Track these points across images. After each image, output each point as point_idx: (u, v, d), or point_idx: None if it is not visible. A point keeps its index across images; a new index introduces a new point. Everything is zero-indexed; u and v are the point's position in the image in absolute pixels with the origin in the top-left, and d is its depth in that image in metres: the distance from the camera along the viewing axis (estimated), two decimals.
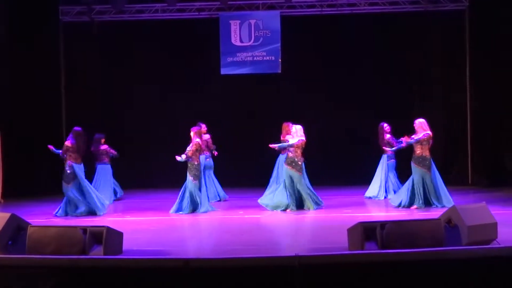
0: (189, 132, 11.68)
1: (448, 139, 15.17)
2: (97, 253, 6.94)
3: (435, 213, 9.80)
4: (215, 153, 13.17)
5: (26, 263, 5.13)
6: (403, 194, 11.36)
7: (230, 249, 7.86)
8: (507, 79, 14.46)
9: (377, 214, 11.19)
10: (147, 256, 6.75)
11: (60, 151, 11.37)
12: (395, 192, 12.54)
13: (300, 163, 11.39)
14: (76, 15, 15.38)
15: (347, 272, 4.83)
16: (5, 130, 14.04)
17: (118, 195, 13.66)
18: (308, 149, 12.09)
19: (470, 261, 4.91)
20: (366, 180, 13.80)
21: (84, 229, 7.06)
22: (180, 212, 11.31)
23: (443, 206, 10.79)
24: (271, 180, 12.86)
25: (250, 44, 15.35)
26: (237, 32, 15.35)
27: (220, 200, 13.18)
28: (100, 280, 4.89)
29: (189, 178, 11.41)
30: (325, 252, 6.32)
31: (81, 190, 11.18)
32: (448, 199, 11.15)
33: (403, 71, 15.64)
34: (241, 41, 15.36)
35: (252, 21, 15.35)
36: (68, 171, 11.16)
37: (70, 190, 11.10)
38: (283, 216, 10.96)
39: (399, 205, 11.24)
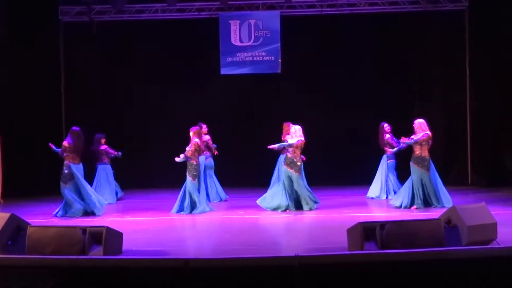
0: (189, 132, 11.68)
1: (448, 139, 15.17)
2: (96, 253, 6.94)
3: (434, 213, 9.80)
4: (216, 152, 13.17)
5: (26, 263, 5.12)
6: (404, 194, 11.34)
7: (230, 249, 7.86)
8: (507, 79, 14.46)
9: (376, 214, 11.19)
10: (147, 256, 6.75)
11: (60, 149, 11.37)
12: (395, 192, 12.54)
13: (299, 163, 11.38)
14: (76, 15, 15.38)
15: (346, 272, 4.83)
16: (5, 130, 14.04)
17: (118, 196, 13.66)
18: (308, 149, 12.09)
19: (470, 261, 4.90)
20: (366, 180, 13.80)
21: (84, 229, 7.06)
22: (182, 212, 11.31)
23: (443, 207, 10.78)
24: (272, 180, 12.86)
25: (250, 44, 15.35)
26: (237, 32, 15.35)
27: (221, 200, 13.18)
28: (99, 280, 4.89)
29: (188, 178, 11.41)
30: (325, 252, 6.32)
31: (78, 191, 11.15)
32: (447, 200, 11.15)
33: (403, 71, 15.64)
34: (241, 41, 15.36)
35: (252, 21, 15.35)
36: (65, 171, 11.16)
37: (66, 190, 11.08)
38: (283, 216, 10.96)
39: (400, 206, 11.22)
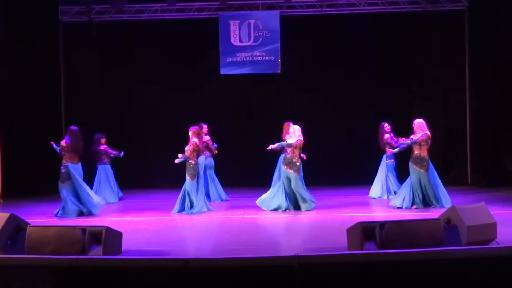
0: (188, 132, 11.68)
1: (447, 139, 15.17)
2: (96, 253, 6.94)
3: (434, 213, 9.80)
4: (215, 151, 13.16)
5: (25, 263, 5.12)
6: (404, 195, 11.31)
7: (229, 249, 7.86)
8: (506, 79, 14.47)
9: (376, 214, 11.18)
10: (147, 256, 6.75)
11: (59, 148, 11.38)
12: (395, 193, 12.54)
13: (298, 163, 11.37)
14: (76, 15, 15.38)
15: (346, 272, 4.83)
16: (5, 130, 14.04)
17: (118, 195, 13.65)
18: (308, 149, 12.10)
19: (470, 261, 4.91)
20: (366, 180, 13.81)
21: (84, 229, 7.06)
22: (183, 212, 11.31)
23: (442, 207, 10.79)
24: (274, 180, 12.85)
25: (249, 44, 15.36)
26: (236, 32, 15.35)
27: (222, 200, 13.18)
28: (99, 280, 4.88)
29: (187, 178, 11.41)
30: (324, 252, 6.31)
31: (76, 190, 11.13)
32: (447, 200, 11.15)
33: (402, 71, 15.64)
34: (240, 41, 15.36)
35: (252, 21, 15.35)
36: (63, 170, 11.16)
37: (63, 189, 11.09)
38: (282, 216, 10.96)
39: (401, 207, 11.19)
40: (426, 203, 11.18)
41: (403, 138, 11.61)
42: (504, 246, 6.24)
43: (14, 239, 7.28)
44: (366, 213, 10.96)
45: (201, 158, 12.58)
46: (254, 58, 15.36)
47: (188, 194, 11.37)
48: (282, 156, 12.03)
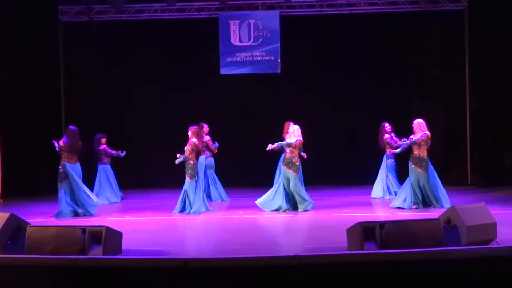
0: (188, 132, 11.68)
1: (447, 139, 15.17)
2: (96, 253, 6.94)
3: (434, 213, 9.80)
4: (215, 151, 13.16)
5: (25, 263, 5.12)
6: (406, 195, 11.26)
7: (229, 249, 7.86)
8: (506, 79, 14.47)
9: (376, 214, 11.18)
10: (147, 256, 6.75)
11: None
12: (395, 193, 12.55)
13: (297, 163, 11.35)
14: (75, 14, 15.37)
15: (346, 272, 4.83)
16: (5, 130, 14.04)
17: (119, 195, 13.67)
18: (308, 149, 12.10)
19: (470, 261, 4.91)
20: (366, 180, 13.83)
21: (83, 229, 7.06)
22: (184, 212, 11.30)
23: (442, 207, 10.79)
24: (275, 180, 12.83)
25: (249, 44, 15.36)
26: (236, 32, 15.35)
27: (222, 200, 13.18)
28: (99, 280, 4.88)
29: (186, 177, 11.40)
30: (324, 252, 6.31)
31: (72, 190, 11.12)
32: (446, 200, 11.15)
33: (402, 71, 15.64)
34: (240, 41, 15.36)
35: (252, 21, 15.35)
36: (61, 170, 11.15)
37: (60, 190, 11.09)
38: (282, 216, 10.96)
39: (402, 207, 11.17)
40: (426, 203, 11.17)
41: (404, 139, 11.60)
42: (504, 246, 6.24)
43: (14, 239, 7.28)
44: (366, 213, 10.95)
45: (201, 158, 12.59)
46: (254, 58, 15.36)
47: (187, 194, 11.36)
48: (282, 156, 12.03)
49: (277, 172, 12.79)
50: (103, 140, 13.43)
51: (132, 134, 15.62)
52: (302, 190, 11.42)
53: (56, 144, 11.50)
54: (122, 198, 13.66)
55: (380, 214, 11.02)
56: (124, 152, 13.41)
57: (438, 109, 15.31)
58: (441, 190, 11.30)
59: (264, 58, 15.35)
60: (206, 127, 13.10)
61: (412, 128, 11.41)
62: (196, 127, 11.81)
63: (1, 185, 13.52)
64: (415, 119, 11.53)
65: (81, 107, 15.45)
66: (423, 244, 6.55)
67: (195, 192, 11.34)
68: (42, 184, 14.39)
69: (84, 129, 12.94)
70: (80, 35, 15.51)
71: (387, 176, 12.93)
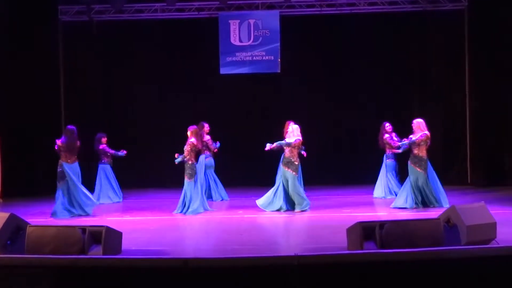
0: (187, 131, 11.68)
1: (447, 138, 15.17)
2: (96, 252, 6.94)
3: (434, 213, 9.80)
4: (215, 150, 13.16)
5: (25, 263, 5.12)
6: (407, 194, 11.23)
7: (229, 249, 7.86)
8: (506, 79, 14.47)
9: (376, 214, 11.18)
10: (146, 256, 6.75)
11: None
12: (395, 193, 12.55)
13: (296, 163, 11.28)
14: (75, 14, 15.36)
15: (346, 272, 4.83)
16: (5, 130, 14.05)
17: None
18: (307, 149, 12.10)
19: (469, 261, 4.90)
20: (366, 180, 13.84)
21: (83, 229, 7.07)
22: (181, 212, 11.29)
23: (441, 207, 10.80)
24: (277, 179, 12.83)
25: (249, 44, 15.35)
26: (236, 32, 15.35)
27: (222, 200, 13.18)
28: (99, 280, 4.88)
29: (185, 177, 11.39)
30: (324, 252, 6.32)
31: (69, 191, 11.10)
32: (445, 200, 11.14)
33: (402, 71, 15.64)
34: (240, 40, 15.36)
35: (252, 21, 15.35)
36: (59, 170, 11.15)
37: (58, 189, 11.09)
38: (282, 216, 10.96)
39: (406, 207, 11.13)
40: (425, 203, 11.15)
41: (404, 139, 11.59)
42: (504, 246, 6.24)
43: (14, 239, 7.29)
44: (366, 213, 10.95)
45: (201, 158, 12.59)
46: (254, 58, 15.36)
47: (186, 194, 11.35)
48: (282, 155, 12.02)
49: (278, 172, 12.79)
50: (104, 140, 13.41)
51: (132, 134, 15.61)
52: (300, 191, 11.37)
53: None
54: (123, 198, 13.65)
55: (380, 214, 11.01)
56: (125, 152, 13.40)
57: (438, 109, 15.30)
58: (440, 190, 11.29)
59: (264, 57, 15.35)
60: (207, 127, 13.11)
61: (411, 127, 11.41)
62: (195, 127, 11.79)
63: (1, 185, 13.52)
64: (414, 118, 11.53)
65: (81, 107, 15.45)
66: (423, 244, 6.55)
67: (193, 192, 11.31)
68: (42, 184, 14.39)
69: (84, 129, 12.94)
70: (80, 35, 15.51)
71: (387, 176, 12.92)
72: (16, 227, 7.35)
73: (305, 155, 11.79)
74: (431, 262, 4.89)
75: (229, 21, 15.37)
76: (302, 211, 11.17)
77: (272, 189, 11.59)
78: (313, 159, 13.74)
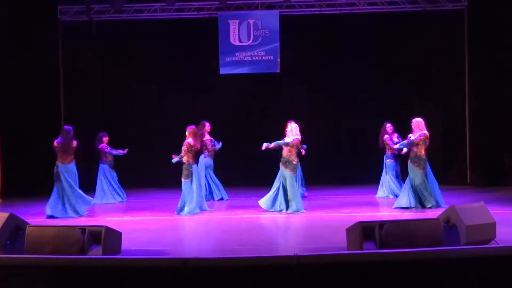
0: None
1: (447, 138, 15.17)
2: (95, 252, 6.94)
3: (433, 213, 9.81)
4: (213, 151, 13.15)
5: (25, 263, 5.11)
6: (409, 195, 11.21)
7: (229, 249, 7.87)
8: (506, 79, 14.48)
9: (376, 214, 11.18)
10: (146, 256, 6.75)
11: None
12: (394, 193, 12.56)
13: (294, 162, 11.23)
14: (75, 14, 15.36)
15: (345, 272, 4.83)
16: (5, 130, 14.04)
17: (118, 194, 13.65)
18: (307, 149, 12.10)
19: (469, 261, 4.90)
20: (366, 180, 13.86)
21: (83, 229, 7.06)
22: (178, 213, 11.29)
23: (439, 206, 10.80)
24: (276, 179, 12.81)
25: (249, 44, 15.35)
26: (236, 32, 15.35)
27: (222, 199, 13.17)
28: (98, 280, 4.88)
29: (182, 177, 11.38)
30: (323, 252, 6.31)
31: (63, 192, 11.08)
32: (441, 200, 11.13)
33: (402, 71, 15.65)
34: (240, 40, 15.36)
35: (251, 21, 15.35)
36: (55, 170, 11.14)
37: (54, 189, 11.09)
38: (282, 216, 10.95)
39: (409, 206, 11.09)
40: (422, 203, 11.12)
41: (406, 139, 11.58)
42: (503, 246, 6.24)
43: (14, 239, 7.29)
44: (365, 212, 10.95)
45: (201, 158, 12.59)
46: (254, 58, 15.36)
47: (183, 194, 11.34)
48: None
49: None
50: (105, 139, 13.38)
51: (131, 134, 15.61)
52: (297, 191, 11.28)
53: None
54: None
55: (380, 214, 11.01)
56: (125, 150, 13.38)
57: (437, 109, 15.31)
58: (437, 190, 11.26)
59: (263, 57, 15.35)
60: (208, 126, 13.12)
61: (411, 127, 11.40)
62: (193, 127, 11.74)
63: (0, 184, 13.52)
64: (414, 117, 11.52)
65: (80, 107, 15.46)
66: (423, 244, 6.55)
67: (189, 192, 11.27)
68: (41, 184, 14.35)
69: (83, 129, 12.97)
70: (80, 34, 15.51)
71: (387, 176, 12.93)
72: (16, 227, 7.35)
73: (303, 153, 11.75)
74: (430, 262, 4.89)
75: (229, 21, 15.37)
76: (293, 212, 11.05)
77: (273, 189, 11.51)
78: (313, 159, 13.76)
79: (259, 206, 11.49)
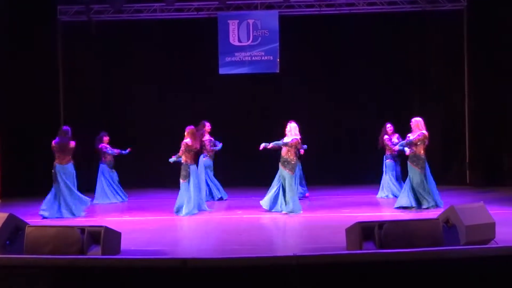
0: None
1: (446, 138, 15.18)
2: (95, 253, 6.93)
3: (433, 213, 9.81)
4: (211, 152, 13.15)
5: (24, 263, 5.11)
6: (409, 194, 11.21)
7: (228, 249, 7.86)
8: (505, 79, 14.48)
9: (375, 214, 11.17)
10: (145, 256, 6.75)
11: None
12: (392, 192, 12.56)
13: (292, 162, 11.19)
14: (74, 14, 15.36)
15: (345, 272, 4.83)
16: (5, 130, 14.03)
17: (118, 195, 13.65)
18: (307, 149, 12.09)
19: (468, 261, 4.90)
20: (366, 180, 13.88)
21: (82, 229, 7.06)
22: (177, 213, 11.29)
23: (437, 206, 10.80)
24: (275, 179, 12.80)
25: (248, 44, 15.35)
26: (235, 32, 15.35)
27: (222, 198, 13.17)
28: (98, 280, 4.88)
29: (180, 178, 11.36)
30: (323, 252, 6.31)
31: (60, 192, 11.06)
32: (439, 201, 11.12)
33: (401, 71, 15.66)
34: (239, 40, 15.36)
35: (251, 21, 15.34)
36: (52, 171, 11.13)
37: (51, 189, 11.09)
38: (281, 216, 10.95)
39: (410, 206, 11.09)
40: (419, 203, 11.10)
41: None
42: (503, 246, 6.24)
43: (13, 239, 7.28)
44: (365, 213, 10.95)
45: (200, 158, 12.58)
46: (253, 58, 15.35)
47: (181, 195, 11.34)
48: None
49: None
50: (105, 139, 13.37)
51: (131, 134, 15.59)
52: (295, 191, 11.26)
53: None
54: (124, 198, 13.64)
55: (379, 214, 11.01)
56: (127, 150, 13.39)
57: (438, 109, 15.31)
58: (435, 190, 11.25)
59: (263, 58, 15.35)
60: (208, 126, 13.12)
61: (410, 126, 11.40)
62: (192, 127, 11.72)
63: (0, 184, 13.51)
64: (413, 117, 11.51)
65: (80, 107, 15.45)
66: (422, 244, 6.55)
67: (186, 193, 11.25)
68: (41, 184, 14.32)
69: (83, 129, 12.96)
70: (79, 34, 15.50)
71: (386, 176, 12.93)
72: (15, 227, 7.35)
73: (302, 152, 11.74)
74: (430, 262, 4.89)
75: (228, 21, 15.36)
76: (288, 212, 11.03)
77: (274, 189, 11.46)
78: (313, 159, 13.75)
79: (258, 206, 11.49)
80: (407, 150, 11.37)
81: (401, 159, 12.71)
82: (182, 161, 11.33)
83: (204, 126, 13.05)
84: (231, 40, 15.37)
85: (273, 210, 11.27)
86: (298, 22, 15.53)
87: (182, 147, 11.34)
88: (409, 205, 11.07)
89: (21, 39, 14.69)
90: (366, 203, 12.34)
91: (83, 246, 6.93)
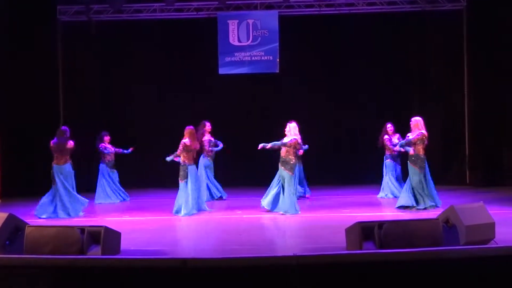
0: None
1: (446, 138, 15.18)
2: (95, 253, 6.94)
3: (433, 213, 9.81)
4: (210, 152, 13.15)
5: (24, 263, 5.11)
6: (409, 195, 11.20)
7: (228, 249, 7.86)
8: (505, 79, 14.48)
9: (375, 214, 11.18)
10: (145, 256, 6.75)
11: None
12: (393, 193, 12.55)
13: (292, 162, 11.15)
14: (74, 14, 15.35)
15: (345, 272, 4.83)
16: (5, 130, 14.03)
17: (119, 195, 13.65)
18: (308, 149, 12.08)
19: (468, 261, 4.90)
20: (366, 180, 13.87)
21: (82, 229, 7.06)
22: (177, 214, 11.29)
23: (436, 206, 10.80)
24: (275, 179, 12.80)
25: (248, 44, 15.35)
26: (235, 32, 15.35)
27: (221, 197, 13.17)
28: (98, 280, 4.88)
29: (179, 178, 11.36)
30: (323, 252, 6.31)
31: (57, 193, 11.04)
32: (438, 201, 11.12)
33: (401, 71, 15.65)
34: (239, 40, 15.35)
35: (250, 21, 15.34)
36: (51, 171, 11.13)
37: (50, 189, 11.08)
38: (281, 216, 10.95)
39: (411, 205, 11.09)
40: (418, 203, 11.09)
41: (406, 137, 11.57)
42: (502, 246, 6.24)
43: (13, 239, 7.29)
44: (365, 212, 10.95)
45: (200, 158, 12.58)
46: (253, 58, 15.35)
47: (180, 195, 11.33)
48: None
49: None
50: (106, 138, 13.36)
51: (131, 134, 15.58)
52: (294, 191, 11.22)
53: None
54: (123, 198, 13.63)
55: (379, 214, 11.01)
56: (129, 149, 13.39)
57: (438, 109, 15.31)
58: (433, 190, 11.24)
59: (262, 58, 15.34)
60: (208, 126, 13.12)
61: (409, 126, 11.39)
62: (191, 127, 11.69)
63: (0, 184, 13.51)
64: (413, 117, 11.51)
65: (79, 107, 15.45)
66: (422, 244, 6.55)
67: (184, 193, 11.23)
68: (41, 184, 14.31)
69: (82, 129, 12.95)
70: (79, 34, 15.49)
71: (386, 176, 12.94)
72: (15, 227, 7.35)
73: (300, 153, 11.74)
74: (430, 262, 4.89)
75: (228, 21, 15.36)
76: (283, 213, 10.99)
77: (275, 190, 11.42)
78: (313, 159, 13.76)
79: (258, 206, 11.49)
80: (410, 149, 11.30)
81: (401, 159, 12.71)
82: (180, 161, 11.32)
83: (205, 126, 13.05)
84: (230, 40, 15.37)
85: (274, 211, 11.26)
86: (297, 22, 15.53)
87: (180, 147, 11.33)
88: (410, 205, 11.06)
89: (21, 39, 14.69)
90: (366, 203, 12.34)
91: (83, 246, 6.93)
